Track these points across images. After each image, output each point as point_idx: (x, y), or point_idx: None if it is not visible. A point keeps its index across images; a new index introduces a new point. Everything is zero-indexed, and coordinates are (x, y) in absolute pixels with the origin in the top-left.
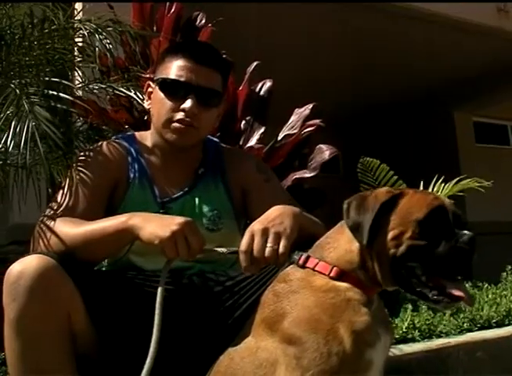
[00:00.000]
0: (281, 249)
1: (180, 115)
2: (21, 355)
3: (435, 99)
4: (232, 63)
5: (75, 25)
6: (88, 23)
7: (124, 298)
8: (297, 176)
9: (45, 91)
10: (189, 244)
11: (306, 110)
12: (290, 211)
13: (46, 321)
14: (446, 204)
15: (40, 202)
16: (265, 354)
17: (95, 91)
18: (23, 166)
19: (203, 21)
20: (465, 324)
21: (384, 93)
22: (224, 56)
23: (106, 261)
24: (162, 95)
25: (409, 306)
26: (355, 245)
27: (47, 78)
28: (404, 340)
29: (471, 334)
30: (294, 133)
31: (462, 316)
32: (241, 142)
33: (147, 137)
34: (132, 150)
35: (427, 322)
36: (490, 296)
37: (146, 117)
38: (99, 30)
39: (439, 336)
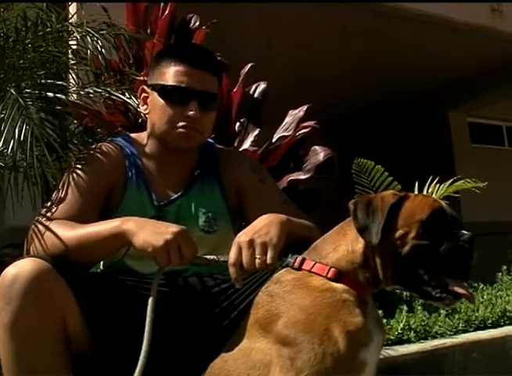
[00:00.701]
0: (268, 260)
1: (184, 121)
2: (16, 357)
3: (430, 99)
4: (226, 65)
5: (69, 28)
6: (81, 25)
7: (119, 299)
8: (291, 178)
9: (40, 93)
10: (181, 253)
11: (300, 111)
12: (277, 220)
13: (41, 324)
14: (444, 205)
15: (35, 205)
16: (258, 355)
17: (90, 94)
18: (18, 169)
19: (198, 23)
20: (460, 325)
21: (379, 94)
22: (218, 58)
23: (101, 264)
24: (162, 101)
25: (405, 307)
26: (359, 246)
27: (42, 81)
28: (399, 341)
29: (466, 334)
30: (289, 135)
31: (457, 316)
32: (235, 144)
33: (143, 139)
34: (129, 152)
35: (423, 323)
36: (485, 297)
37: (140, 120)
38: (93, 33)
39: (434, 337)
